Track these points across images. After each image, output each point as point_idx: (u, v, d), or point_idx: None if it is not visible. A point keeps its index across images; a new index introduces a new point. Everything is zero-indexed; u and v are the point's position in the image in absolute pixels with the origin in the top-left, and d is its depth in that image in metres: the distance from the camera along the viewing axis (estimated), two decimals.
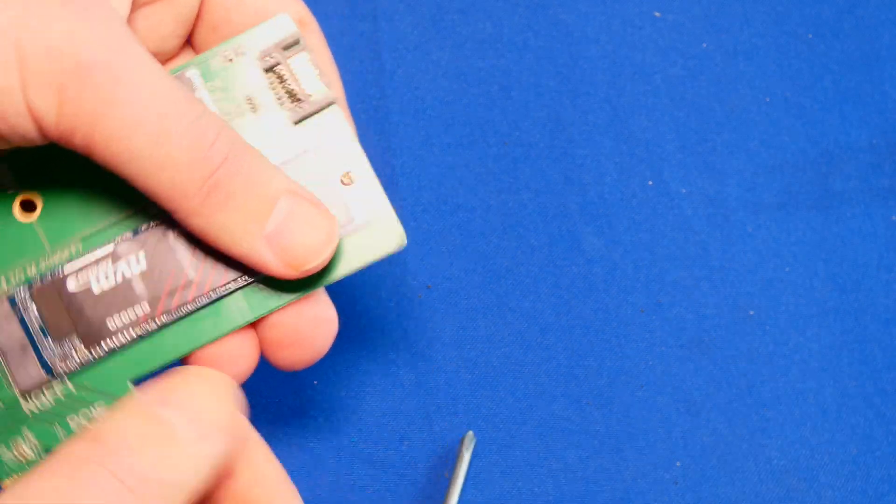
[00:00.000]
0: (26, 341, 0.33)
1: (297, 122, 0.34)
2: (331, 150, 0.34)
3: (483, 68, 0.46)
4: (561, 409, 0.43)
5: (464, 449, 0.40)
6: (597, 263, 0.45)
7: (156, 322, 0.33)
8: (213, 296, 0.33)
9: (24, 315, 0.33)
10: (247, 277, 0.33)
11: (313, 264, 0.32)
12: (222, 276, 0.33)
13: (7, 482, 0.32)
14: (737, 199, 0.46)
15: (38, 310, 0.33)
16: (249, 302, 0.33)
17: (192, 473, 0.27)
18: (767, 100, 0.47)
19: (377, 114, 0.45)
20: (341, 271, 0.34)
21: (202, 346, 0.33)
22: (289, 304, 0.33)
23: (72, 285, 0.33)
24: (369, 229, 0.34)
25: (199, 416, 0.28)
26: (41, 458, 0.32)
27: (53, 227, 0.33)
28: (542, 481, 0.43)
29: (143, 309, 0.33)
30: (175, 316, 0.33)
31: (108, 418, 0.28)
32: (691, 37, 0.47)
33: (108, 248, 0.33)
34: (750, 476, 0.44)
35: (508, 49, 0.46)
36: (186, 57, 0.36)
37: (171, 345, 0.33)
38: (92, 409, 0.33)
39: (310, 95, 0.34)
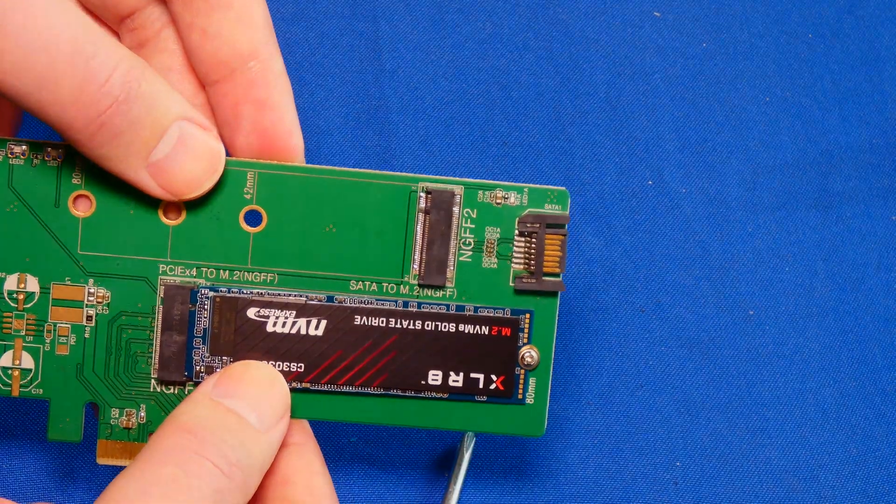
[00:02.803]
0: (185, 338, 0.34)
1: (517, 291, 0.35)
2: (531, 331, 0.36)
3: (483, 68, 0.46)
4: (561, 409, 0.43)
5: (464, 449, 0.40)
6: (597, 263, 0.45)
7: (300, 384, 0.35)
8: (357, 390, 0.35)
9: (197, 313, 0.34)
10: (399, 392, 0.35)
11: (193, 194, 0.33)
12: (374, 380, 0.35)
13: (101, 442, 0.35)
14: (737, 199, 0.46)
15: (211, 316, 0.34)
16: (386, 409, 0.35)
17: (267, 456, 0.33)
18: (767, 100, 0.47)
19: (377, 114, 0.45)
20: (470, 427, 0.36)
21: (321, 420, 0.36)
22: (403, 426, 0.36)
23: (251, 312, 0.34)
24: (519, 410, 0.36)
25: (262, 407, 0.33)
26: (139, 435, 0.35)
27: (264, 247, 0.34)
28: (542, 481, 0.43)
29: (297, 368, 0.35)
30: (318, 389, 0.35)
31: (189, 409, 0.32)
32: (691, 37, 0.47)
33: (300, 298, 0.34)
34: (750, 476, 0.44)
35: (508, 49, 0.46)
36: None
37: (300, 405, 0.35)
38: None
39: (544, 276, 0.35)
